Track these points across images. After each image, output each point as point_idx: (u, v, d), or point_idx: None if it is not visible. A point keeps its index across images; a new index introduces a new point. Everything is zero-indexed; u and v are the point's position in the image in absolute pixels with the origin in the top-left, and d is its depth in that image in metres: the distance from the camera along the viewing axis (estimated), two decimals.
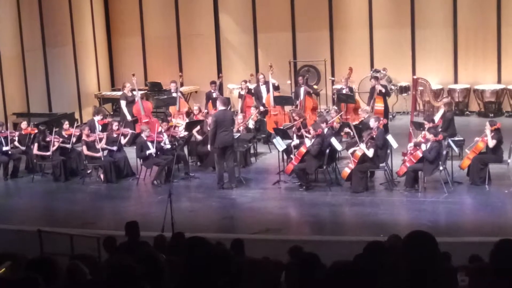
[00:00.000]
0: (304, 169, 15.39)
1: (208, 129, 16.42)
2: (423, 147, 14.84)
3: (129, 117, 19.65)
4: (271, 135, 17.75)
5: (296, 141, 15.86)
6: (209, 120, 16.79)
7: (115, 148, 16.74)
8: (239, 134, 16.68)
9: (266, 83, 19.89)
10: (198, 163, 17.51)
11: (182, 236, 9.47)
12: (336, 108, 19.10)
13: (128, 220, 10.47)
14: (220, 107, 15.92)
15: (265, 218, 14.06)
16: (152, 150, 16.22)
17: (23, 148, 17.52)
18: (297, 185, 15.64)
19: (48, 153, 16.79)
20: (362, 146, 15.08)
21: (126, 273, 5.17)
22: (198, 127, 17.44)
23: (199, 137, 17.30)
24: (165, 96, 20.82)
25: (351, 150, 15.48)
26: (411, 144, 15.49)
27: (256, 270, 7.68)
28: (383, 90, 19.22)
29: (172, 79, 20.76)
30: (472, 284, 7.05)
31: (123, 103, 19.95)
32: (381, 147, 15.25)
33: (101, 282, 5.66)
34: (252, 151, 18.07)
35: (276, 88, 20.09)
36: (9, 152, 17.18)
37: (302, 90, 19.55)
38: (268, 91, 19.85)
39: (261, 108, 19.68)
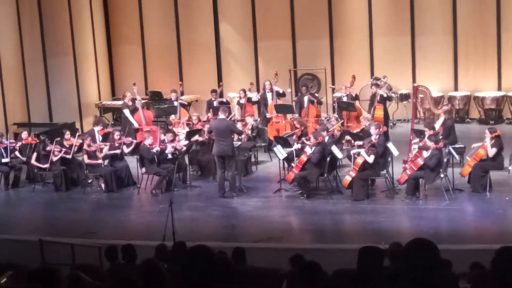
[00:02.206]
0: (305, 177, 15.39)
1: (205, 137, 16.92)
2: (424, 154, 14.85)
3: (136, 124, 19.61)
4: (272, 143, 17.76)
5: (297, 146, 15.84)
6: (206, 128, 16.98)
7: (118, 151, 16.80)
8: (239, 143, 16.69)
9: (272, 90, 19.93)
10: (199, 173, 17.51)
11: (183, 245, 9.46)
12: (336, 116, 19.11)
13: (130, 229, 10.46)
14: (220, 115, 15.99)
15: (266, 226, 14.06)
16: (157, 148, 16.32)
17: (24, 158, 17.53)
18: (298, 194, 15.64)
19: (45, 166, 16.79)
20: (363, 152, 15.09)
21: None
22: (197, 136, 17.45)
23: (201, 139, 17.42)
24: (166, 105, 20.83)
25: (354, 151, 15.51)
26: (415, 146, 15.50)
27: (257, 279, 7.68)
28: (385, 95, 19.25)
29: (172, 88, 20.77)
30: None
31: (126, 112, 19.85)
32: (381, 154, 15.26)
33: None
34: (253, 159, 18.07)
35: (281, 95, 20.13)
36: (9, 164, 17.21)
37: (306, 98, 19.59)
38: (273, 98, 19.91)
39: (267, 115, 19.72)
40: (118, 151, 16.86)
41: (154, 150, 16.40)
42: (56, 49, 22.05)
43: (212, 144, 16.27)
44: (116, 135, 17.26)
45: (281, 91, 20.12)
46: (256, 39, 23.49)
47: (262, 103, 20.29)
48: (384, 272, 6.48)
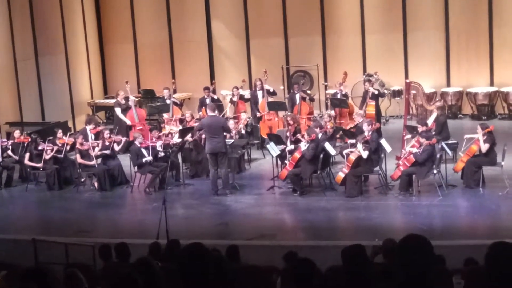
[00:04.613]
0: (298, 174, 15.38)
1: (196, 136, 16.89)
2: (414, 150, 14.88)
3: (128, 122, 19.64)
4: (265, 140, 17.76)
5: (290, 147, 15.84)
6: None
7: (108, 151, 16.75)
8: (232, 140, 16.68)
9: (263, 88, 19.92)
10: (194, 171, 17.40)
11: (177, 243, 9.46)
12: (329, 112, 19.11)
13: (123, 228, 10.44)
14: (209, 113, 15.99)
15: (260, 224, 14.05)
16: (148, 158, 16.25)
17: (16, 157, 17.49)
18: (290, 191, 15.63)
19: (39, 165, 16.75)
20: (359, 146, 15.07)
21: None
22: (189, 137, 17.42)
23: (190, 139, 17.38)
24: (158, 103, 20.81)
25: (346, 151, 15.52)
26: (405, 152, 15.53)
27: (251, 276, 7.67)
28: (376, 92, 19.27)
29: (165, 86, 20.77)
30: (467, 287, 7.06)
31: (118, 110, 19.90)
32: (374, 150, 15.27)
33: None
34: (246, 157, 18.07)
35: (272, 93, 20.10)
36: (1, 164, 17.17)
37: (298, 96, 19.59)
38: (264, 96, 19.90)
39: (258, 114, 19.71)
40: (108, 152, 16.80)
41: (143, 161, 16.29)
42: (48, 48, 22.01)
43: (205, 142, 16.25)
44: (106, 134, 17.22)
45: (271, 90, 20.10)
46: (248, 37, 23.49)
47: (252, 101, 20.25)
48: (378, 268, 6.49)
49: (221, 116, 17.38)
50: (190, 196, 16.09)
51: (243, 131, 18.36)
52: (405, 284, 4.52)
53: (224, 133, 15.99)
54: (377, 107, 19.32)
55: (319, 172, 15.47)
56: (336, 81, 20.41)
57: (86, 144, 16.83)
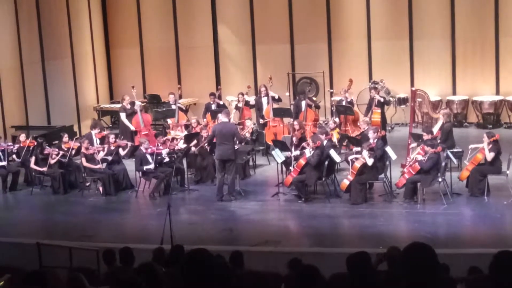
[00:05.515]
0: (303, 181, 15.37)
1: (205, 145, 16.85)
2: (419, 157, 14.87)
3: (132, 128, 19.65)
4: (270, 147, 17.76)
5: (295, 152, 15.81)
6: (204, 133, 16.94)
7: (109, 158, 16.75)
8: (237, 147, 16.67)
9: (268, 95, 19.92)
10: (199, 177, 17.39)
11: (181, 249, 9.46)
12: (335, 119, 19.11)
13: (127, 233, 10.44)
14: (222, 119, 15.98)
15: (264, 230, 14.04)
16: (151, 166, 16.23)
17: (19, 160, 17.48)
18: (295, 197, 15.62)
19: (44, 169, 16.77)
20: (365, 153, 15.06)
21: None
22: (195, 141, 17.42)
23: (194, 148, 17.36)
24: (164, 109, 20.83)
25: (351, 157, 15.51)
26: (410, 160, 15.51)
27: (255, 283, 7.67)
28: (382, 100, 19.25)
29: (170, 91, 20.78)
30: None
31: (123, 115, 19.93)
32: (379, 158, 15.26)
33: None
34: (251, 163, 18.07)
35: (278, 100, 20.10)
36: (5, 168, 17.19)
37: (303, 103, 19.57)
38: (268, 102, 19.90)
39: (261, 120, 19.71)
40: (109, 158, 16.80)
41: (144, 169, 16.29)
42: (54, 52, 22.05)
43: (211, 148, 16.24)
44: (112, 138, 17.23)
45: (276, 96, 20.09)
46: (254, 43, 23.50)
47: (256, 108, 20.25)
48: (382, 276, 6.48)
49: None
50: (195, 201, 16.09)
51: (248, 138, 18.37)
52: None
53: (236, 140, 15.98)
54: (383, 115, 19.32)
55: (324, 179, 15.46)
56: (342, 88, 20.39)
57: (91, 148, 16.84)
